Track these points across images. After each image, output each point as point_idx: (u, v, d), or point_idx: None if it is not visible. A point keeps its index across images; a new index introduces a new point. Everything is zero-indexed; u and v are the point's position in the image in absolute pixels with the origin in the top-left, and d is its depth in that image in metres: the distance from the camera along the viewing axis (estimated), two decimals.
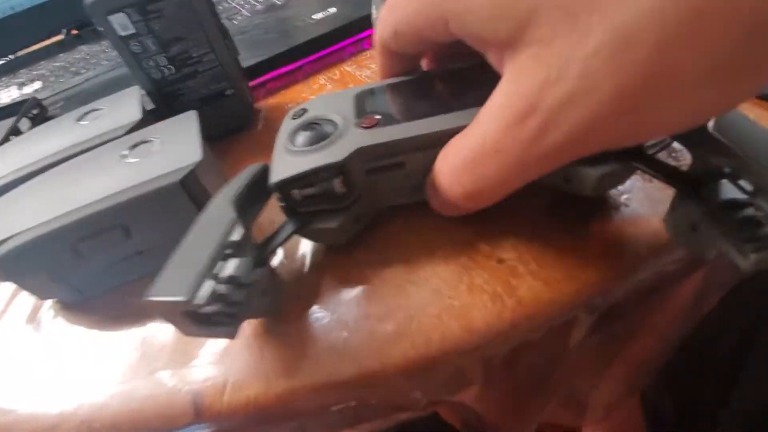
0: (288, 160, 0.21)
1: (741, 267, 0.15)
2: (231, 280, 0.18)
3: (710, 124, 0.16)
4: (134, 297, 0.18)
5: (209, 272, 0.17)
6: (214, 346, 0.21)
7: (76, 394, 0.21)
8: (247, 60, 0.42)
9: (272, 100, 0.40)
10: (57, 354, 0.23)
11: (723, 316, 0.40)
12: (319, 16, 0.46)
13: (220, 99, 0.33)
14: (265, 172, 0.22)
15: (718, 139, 0.16)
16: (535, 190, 0.22)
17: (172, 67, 0.30)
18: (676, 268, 0.21)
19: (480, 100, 0.19)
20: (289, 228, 0.22)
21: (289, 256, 0.24)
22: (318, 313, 0.21)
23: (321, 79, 0.41)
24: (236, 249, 0.19)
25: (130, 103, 0.30)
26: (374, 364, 0.19)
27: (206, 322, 0.17)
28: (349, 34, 0.43)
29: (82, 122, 0.29)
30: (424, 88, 0.24)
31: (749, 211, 0.15)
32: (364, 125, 0.22)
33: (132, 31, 0.28)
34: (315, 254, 0.24)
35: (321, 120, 0.23)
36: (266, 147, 0.25)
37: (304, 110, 0.25)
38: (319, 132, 0.22)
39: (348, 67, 0.41)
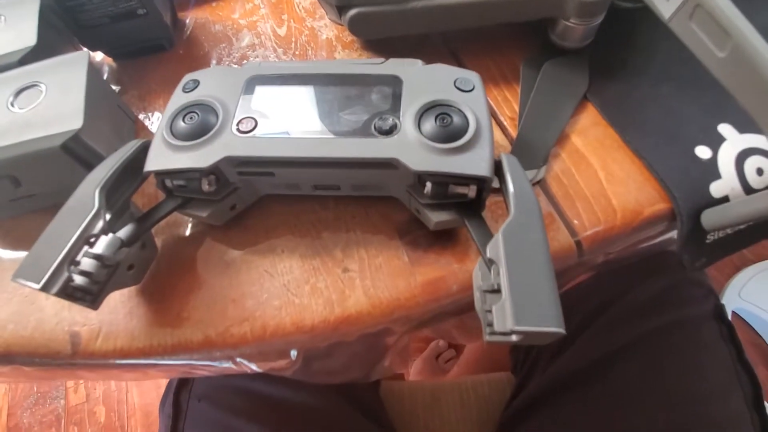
0: (162, 151, 0.23)
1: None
2: (97, 258, 0.21)
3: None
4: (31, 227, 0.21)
5: (66, 263, 0.20)
6: None
7: None
8: None
9: (202, 13, 0.37)
10: None
11: (592, 285, 0.47)
12: None
13: (132, 18, 0.31)
14: (146, 149, 0.23)
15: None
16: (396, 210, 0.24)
17: None
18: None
19: (358, 124, 0.21)
20: (167, 206, 0.24)
21: (171, 224, 0.26)
22: (184, 285, 0.25)
23: None
24: (104, 229, 0.21)
25: (28, 18, 0.28)
26: (218, 339, 0.23)
27: (71, 295, 0.21)
28: None
29: None
30: (315, 87, 0.24)
31: (491, 300, 0.19)
32: (240, 129, 0.23)
33: None
34: (194, 226, 0.27)
35: (205, 104, 0.24)
36: (183, 70, 0.26)
37: (197, 83, 0.25)
38: (197, 124, 0.23)
39: None
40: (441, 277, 0.24)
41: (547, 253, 0.19)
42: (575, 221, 0.25)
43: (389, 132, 0.22)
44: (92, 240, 0.21)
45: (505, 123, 0.29)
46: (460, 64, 0.31)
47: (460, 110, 0.22)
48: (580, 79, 0.29)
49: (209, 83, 0.25)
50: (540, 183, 0.26)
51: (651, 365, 0.42)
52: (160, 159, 0.22)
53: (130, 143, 0.23)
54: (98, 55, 0.35)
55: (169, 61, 0.34)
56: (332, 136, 0.22)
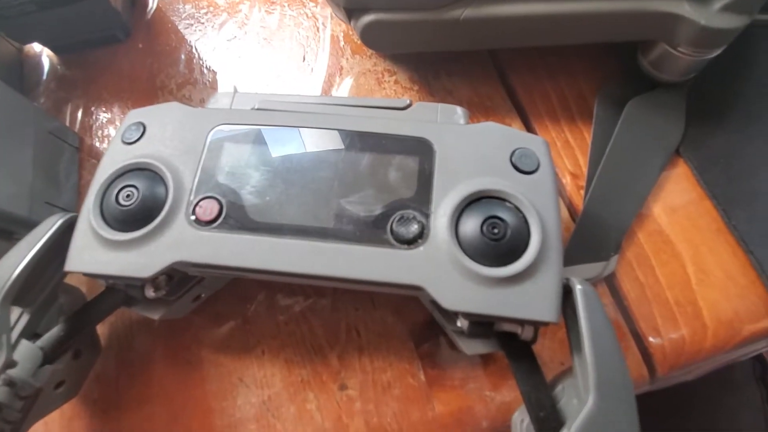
0: (89, 243, 0.16)
1: None
2: (9, 386, 0.16)
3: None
4: None
5: None
6: None
7: None
8: None
9: None
10: None
11: None
12: None
13: (69, 3, 0.23)
14: (72, 227, 0.17)
15: None
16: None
17: None
18: None
19: (367, 221, 0.15)
20: (107, 304, 0.18)
21: (117, 317, 0.20)
22: (135, 393, 0.19)
23: None
24: (9, 363, 0.15)
25: None
26: None
27: None
28: None
29: None
30: (307, 153, 0.17)
31: None
32: (198, 218, 0.16)
33: None
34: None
35: (150, 170, 0.17)
36: (143, 71, 0.22)
37: (141, 128, 0.18)
38: (137, 205, 0.16)
39: None
40: (468, 407, 0.18)
41: None
42: (650, 338, 0.19)
43: (413, 241, 0.15)
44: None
45: (564, 181, 0.22)
46: (509, 89, 0.23)
47: (518, 210, 0.15)
48: (673, 126, 0.21)
49: (158, 131, 0.17)
50: (607, 277, 0.20)
51: (678, 404, 0.40)
52: (84, 256, 0.16)
53: (49, 221, 0.17)
54: (37, 46, 0.27)
55: (125, 56, 0.26)
56: (329, 238, 0.15)
